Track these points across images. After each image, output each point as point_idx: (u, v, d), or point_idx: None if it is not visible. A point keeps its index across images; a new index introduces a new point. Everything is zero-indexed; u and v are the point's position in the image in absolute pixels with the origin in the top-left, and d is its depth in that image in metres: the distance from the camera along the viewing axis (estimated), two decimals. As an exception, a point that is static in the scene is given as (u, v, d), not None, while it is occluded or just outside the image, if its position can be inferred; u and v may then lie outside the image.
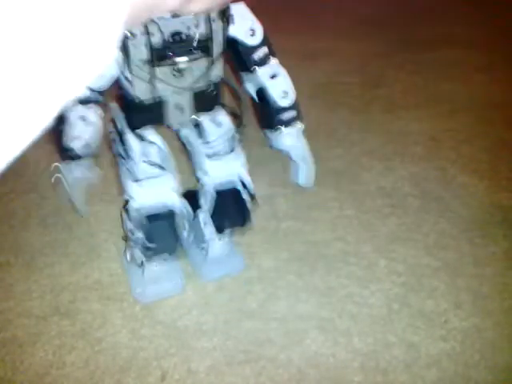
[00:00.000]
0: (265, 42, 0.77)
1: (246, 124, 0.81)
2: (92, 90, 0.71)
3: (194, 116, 0.78)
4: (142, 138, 0.77)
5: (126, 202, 0.80)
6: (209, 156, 0.81)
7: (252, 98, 0.83)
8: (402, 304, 0.83)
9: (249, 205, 0.83)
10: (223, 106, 0.80)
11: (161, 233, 0.79)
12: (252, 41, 0.76)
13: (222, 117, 0.79)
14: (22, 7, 0.19)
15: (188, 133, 0.82)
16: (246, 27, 0.75)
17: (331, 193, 1.06)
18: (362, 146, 1.20)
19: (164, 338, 0.79)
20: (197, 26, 0.68)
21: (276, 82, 0.79)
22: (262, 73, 0.78)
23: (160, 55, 0.68)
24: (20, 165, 1.05)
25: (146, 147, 0.77)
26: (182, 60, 0.69)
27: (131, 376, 0.74)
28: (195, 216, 0.84)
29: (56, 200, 1.02)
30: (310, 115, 1.31)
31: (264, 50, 0.78)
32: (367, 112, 1.33)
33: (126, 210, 0.80)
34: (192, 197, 0.83)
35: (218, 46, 0.71)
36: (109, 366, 0.75)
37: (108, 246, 0.94)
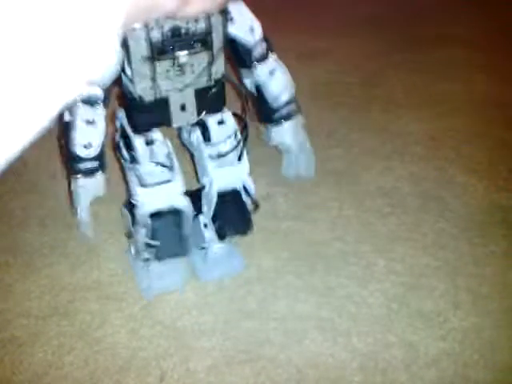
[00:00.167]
0: (264, 38, 0.78)
1: (249, 124, 0.81)
2: (94, 90, 0.71)
3: (201, 116, 0.77)
4: (147, 140, 0.77)
5: (131, 204, 0.80)
6: (212, 158, 0.80)
7: (251, 94, 0.83)
8: (401, 304, 0.83)
9: (251, 212, 0.83)
10: (226, 104, 0.80)
11: (166, 230, 0.79)
12: (252, 38, 0.77)
13: (228, 117, 0.79)
14: (22, 8, 0.19)
15: (193, 136, 0.82)
16: (246, 26, 0.76)
17: (331, 193, 1.06)
18: (362, 145, 1.20)
19: (163, 338, 0.79)
20: (196, 20, 0.68)
21: (275, 77, 0.80)
22: (262, 69, 0.79)
23: (160, 50, 0.68)
24: (19, 164, 1.05)
25: (152, 148, 0.77)
26: (182, 54, 0.69)
27: (130, 376, 0.74)
28: (195, 217, 0.84)
29: (55, 202, 1.02)
30: (309, 115, 1.31)
31: (263, 46, 0.78)
32: (367, 111, 1.33)
33: (132, 213, 0.80)
34: (194, 198, 0.84)
35: (218, 41, 0.71)
36: (108, 366, 0.75)
37: (107, 246, 0.94)
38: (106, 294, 0.85)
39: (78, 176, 0.81)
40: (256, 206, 0.84)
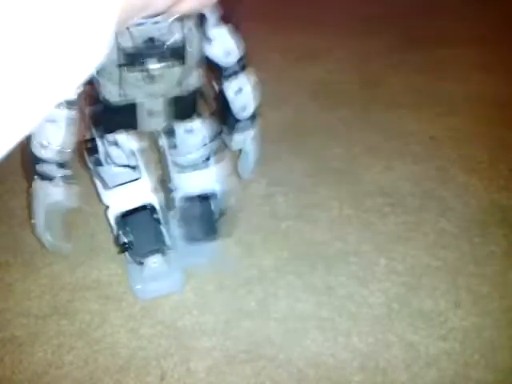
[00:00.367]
0: (239, 61, 0.77)
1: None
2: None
3: (167, 123, 0.76)
4: (114, 142, 0.76)
5: (107, 207, 0.81)
6: (177, 165, 0.81)
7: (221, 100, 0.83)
8: (401, 303, 0.83)
9: (217, 217, 0.84)
10: (200, 114, 0.79)
11: (138, 225, 0.79)
12: (226, 61, 0.76)
13: (198, 126, 0.79)
14: (13, 8, 0.19)
15: (161, 141, 0.82)
16: (223, 50, 0.75)
17: (331, 192, 1.06)
18: (362, 145, 1.20)
19: (163, 337, 0.78)
20: (171, 33, 0.66)
21: (241, 94, 0.80)
22: (229, 86, 0.78)
23: (131, 60, 0.66)
24: (19, 164, 1.05)
25: (114, 150, 0.77)
26: (154, 67, 0.68)
27: (130, 376, 0.74)
28: (167, 219, 0.84)
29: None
30: (309, 114, 1.31)
31: (237, 65, 0.77)
32: (367, 111, 1.33)
33: (107, 217, 0.81)
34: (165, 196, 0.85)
35: (193, 55, 0.70)
36: (108, 366, 0.75)
37: (107, 246, 0.93)
38: (106, 293, 0.85)
39: (35, 177, 0.75)
40: (222, 213, 0.85)
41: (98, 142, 0.76)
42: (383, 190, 1.07)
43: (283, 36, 1.65)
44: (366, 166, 1.13)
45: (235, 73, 0.77)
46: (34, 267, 0.90)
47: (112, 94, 0.70)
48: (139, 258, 0.81)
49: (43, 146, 0.71)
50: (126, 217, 0.78)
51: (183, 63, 0.69)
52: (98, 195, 0.81)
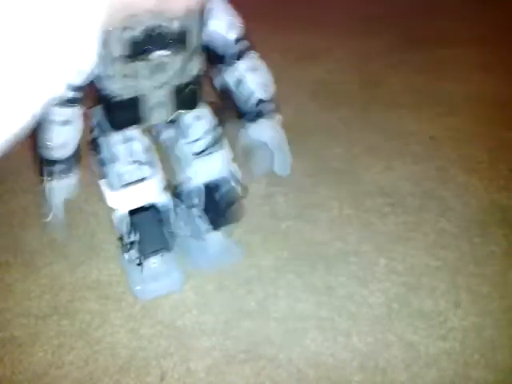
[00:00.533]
0: (245, 36, 0.77)
1: (230, 119, 0.82)
2: (72, 89, 0.70)
3: (177, 112, 0.77)
4: (124, 138, 0.76)
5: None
6: (196, 154, 0.81)
7: (229, 91, 0.82)
8: (401, 303, 0.83)
9: (241, 199, 0.84)
10: (203, 100, 0.80)
11: (145, 225, 0.79)
12: (231, 34, 0.76)
13: (204, 112, 0.80)
14: (4, 7, 0.19)
15: (170, 135, 0.82)
16: (226, 21, 0.75)
17: (331, 192, 1.06)
18: (362, 145, 1.20)
19: (163, 337, 0.78)
20: (174, 20, 0.68)
21: (253, 75, 0.79)
22: (243, 66, 0.78)
23: (137, 49, 0.68)
24: (19, 164, 1.05)
25: (130, 146, 0.77)
26: (160, 54, 0.69)
27: (130, 376, 0.74)
28: (189, 213, 0.84)
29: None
30: (309, 114, 1.31)
31: (244, 43, 0.78)
32: (367, 111, 1.33)
33: (112, 218, 0.81)
34: (176, 194, 0.84)
35: (195, 40, 0.71)
36: (108, 366, 0.75)
37: (107, 246, 0.94)
38: (106, 293, 0.85)
39: (51, 178, 0.77)
40: (244, 190, 0.85)
41: (102, 141, 0.76)
42: (383, 190, 1.06)
43: (283, 36, 1.65)
44: (366, 165, 1.13)
45: (243, 53, 0.77)
46: (34, 267, 0.90)
47: (121, 89, 0.71)
48: (142, 257, 0.81)
49: (61, 147, 0.74)
50: (132, 215, 0.78)
51: (185, 50, 0.71)
52: (103, 197, 0.80)
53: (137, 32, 0.66)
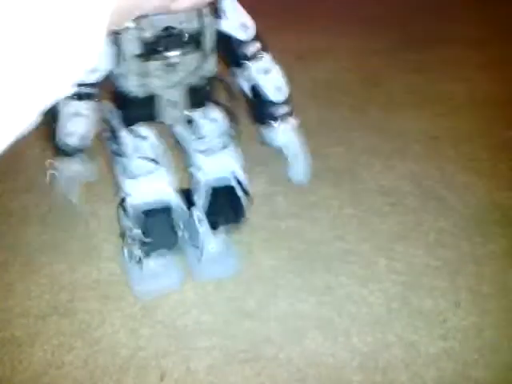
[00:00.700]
0: (257, 37, 0.77)
1: (240, 121, 0.81)
2: (85, 86, 0.71)
3: (186, 112, 0.77)
4: (135, 134, 0.77)
5: (122, 199, 0.80)
6: (202, 152, 0.81)
7: (244, 94, 0.82)
8: (401, 303, 0.83)
9: (243, 201, 0.83)
10: (216, 102, 0.80)
11: (158, 227, 0.79)
12: (244, 36, 0.76)
13: (215, 112, 0.79)
14: (7, 7, 0.19)
15: (181, 129, 0.82)
16: (238, 22, 0.75)
17: (331, 191, 1.06)
18: (362, 144, 1.20)
19: (163, 337, 0.78)
20: (189, 20, 0.68)
21: (269, 77, 0.79)
22: (255, 68, 0.78)
23: (151, 49, 0.68)
24: (19, 163, 1.04)
25: (140, 142, 0.77)
26: (173, 54, 0.69)
27: (130, 376, 0.74)
28: (190, 214, 0.83)
29: (54, 198, 1.02)
30: (309, 113, 1.31)
31: (256, 45, 0.77)
32: (367, 110, 1.33)
33: (123, 207, 0.80)
34: (186, 195, 0.84)
35: (209, 41, 0.71)
36: (108, 366, 0.75)
37: (107, 246, 0.94)
38: (106, 293, 0.85)
39: (57, 156, 0.77)
40: (247, 193, 0.84)
41: (123, 134, 0.76)
42: (383, 189, 1.07)
43: (283, 36, 1.65)
44: (366, 165, 1.13)
45: (257, 55, 0.77)
46: (33, 267, 0.90)
47: (136, 87, 0.72)
48: (143, 254, 0.81)
49: (68, 134, 0.74)
50: (147, 213, 0.78)
51: (198, 51, 0.71)
52: (118, 184, 0.80)
53: (148, 33, 0.67)
